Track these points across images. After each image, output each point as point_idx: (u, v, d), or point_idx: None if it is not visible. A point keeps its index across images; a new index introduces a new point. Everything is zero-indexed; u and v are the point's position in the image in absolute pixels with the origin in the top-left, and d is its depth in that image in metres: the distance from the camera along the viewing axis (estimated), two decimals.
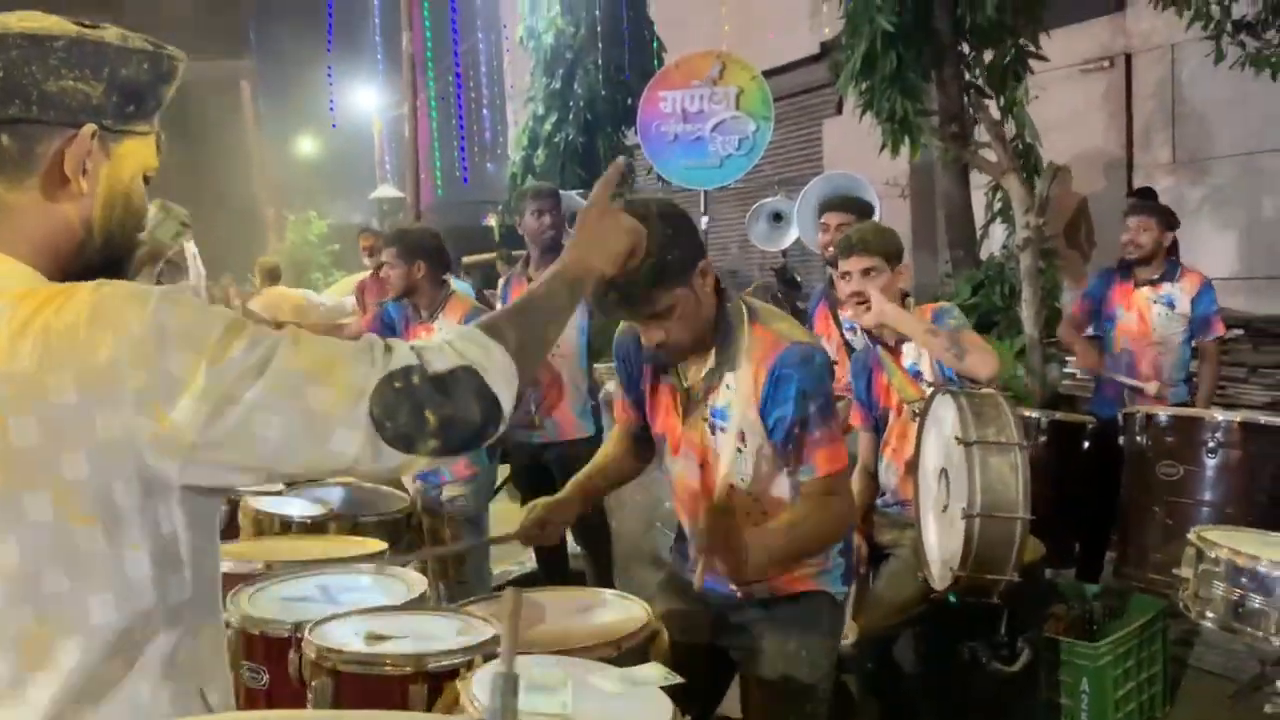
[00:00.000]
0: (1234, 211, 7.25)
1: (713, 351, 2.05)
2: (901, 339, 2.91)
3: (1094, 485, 3.91)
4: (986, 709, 2.95)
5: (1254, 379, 5.82)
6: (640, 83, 8.17)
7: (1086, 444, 3.96)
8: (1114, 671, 3.20)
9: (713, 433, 2.07)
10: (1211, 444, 3.50)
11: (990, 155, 6.18)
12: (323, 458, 1.05)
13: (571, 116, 9.78)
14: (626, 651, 1.89)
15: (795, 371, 1.96)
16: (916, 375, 2.90)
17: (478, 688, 1.62)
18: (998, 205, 6.94)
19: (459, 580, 3.82)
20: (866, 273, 2.90)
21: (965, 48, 6.71)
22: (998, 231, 7.18)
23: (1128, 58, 7.77)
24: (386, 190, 16.90)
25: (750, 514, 2.09)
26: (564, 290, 1.29)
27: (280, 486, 3.37)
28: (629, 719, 1.58)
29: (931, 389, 2.76)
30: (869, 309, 2.85)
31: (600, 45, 9.56)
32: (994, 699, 2.93)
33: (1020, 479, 2.37)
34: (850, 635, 2.72)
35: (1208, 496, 3.50)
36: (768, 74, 7.35)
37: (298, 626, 1.95)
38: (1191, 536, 2.60)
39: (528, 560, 4.99)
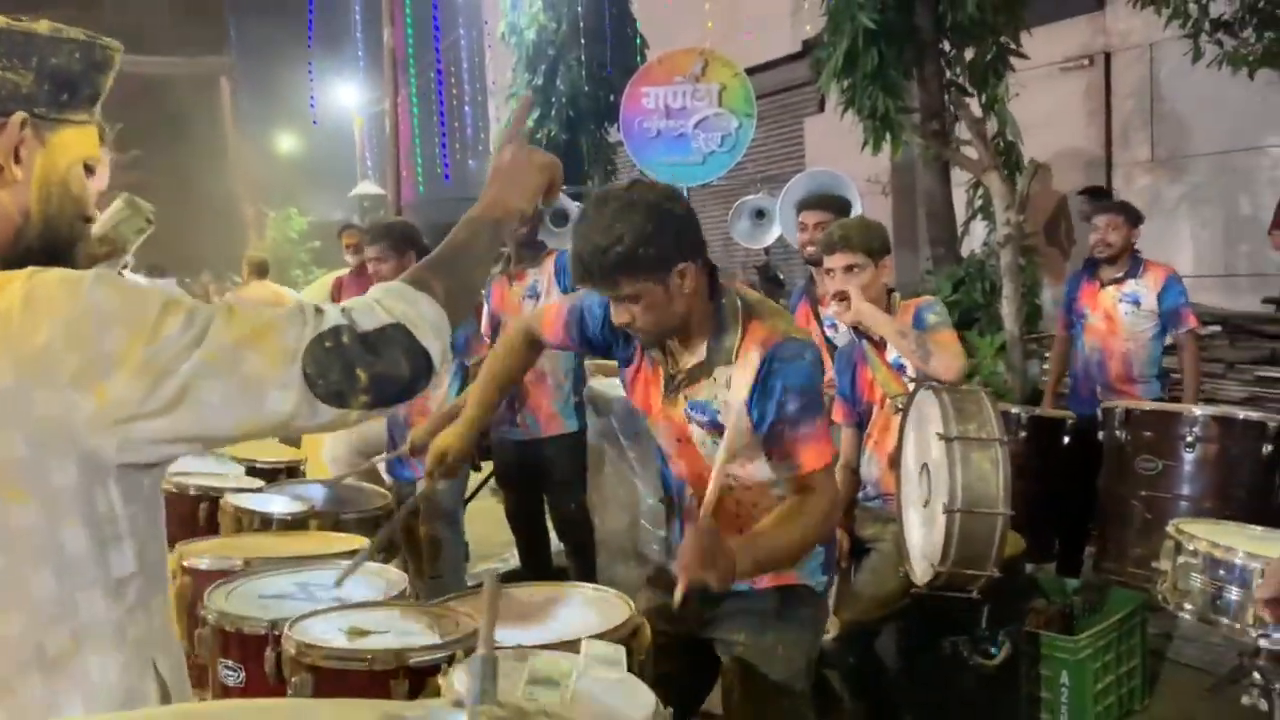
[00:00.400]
0: (1212, 209, 7.32)
1: (705, 346, 2.05)
2: None
3: (1074, 480, 3.94)
4: (968, 703, 2.96)
5: (1231, 375, 5.88)
6: (623, 79, 8.16)
7: (1067, 439, 3.98)
8: (1093, 665, 3.22)
9: (688, 421, 2.08)
10: (1190, 439, 3.53)
11: (971, 153, 6.21)
12: (259, 419, 1.09)
13: (554, 113, 9.77)
14: None
15: (786, 366, 1.96)
16: (900, 369, 2.91)
17: (459, 682, 1.61)
18: (978, 202, 6.98)
19: (434, 576, 3.81)
20: (849, 269, 2.90)
21: (946, 45, 6.74)
22: (978, 228, 7.22)
23: (1107, 56, 7.83)
24: (367, 187, 16.84)
25: (727, 506, 2.08)
26: (485, 232, 1.31)
27: (260, 484, 3.35)
28: (612, 712, 1.57)
29: (915, 384, 2.77)
30: (849, 307, 2.86)
31: (583, 41, 9.54)
32: (975, 693, 2.95)
33: (1001, 475, 2.38)
34: (832, 630, 2.73)
35: (1186, 491, 3.53)
36: (749, 72, 7.36)
37: (275, 624, 1.94)
38: (1170, 529, 2.62)
39: (510, 557, 4.98)
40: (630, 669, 1.76)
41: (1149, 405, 3.89)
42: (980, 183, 6.61)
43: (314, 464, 4.19)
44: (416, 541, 3.91)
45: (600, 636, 1.88)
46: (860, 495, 3.05)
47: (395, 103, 9.98)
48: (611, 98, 9.28)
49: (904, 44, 6.53)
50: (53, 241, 1.16)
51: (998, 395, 4.60)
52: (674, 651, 2.12)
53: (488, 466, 4.79)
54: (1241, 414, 3.67)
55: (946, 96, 6.73)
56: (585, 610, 2.12)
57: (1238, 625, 2.39)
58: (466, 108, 17.66)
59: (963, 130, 6.39)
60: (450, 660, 1.76)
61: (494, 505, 5.00)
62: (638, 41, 9.98)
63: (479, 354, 3.74)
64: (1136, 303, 4.33)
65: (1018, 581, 3.25)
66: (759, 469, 2.08)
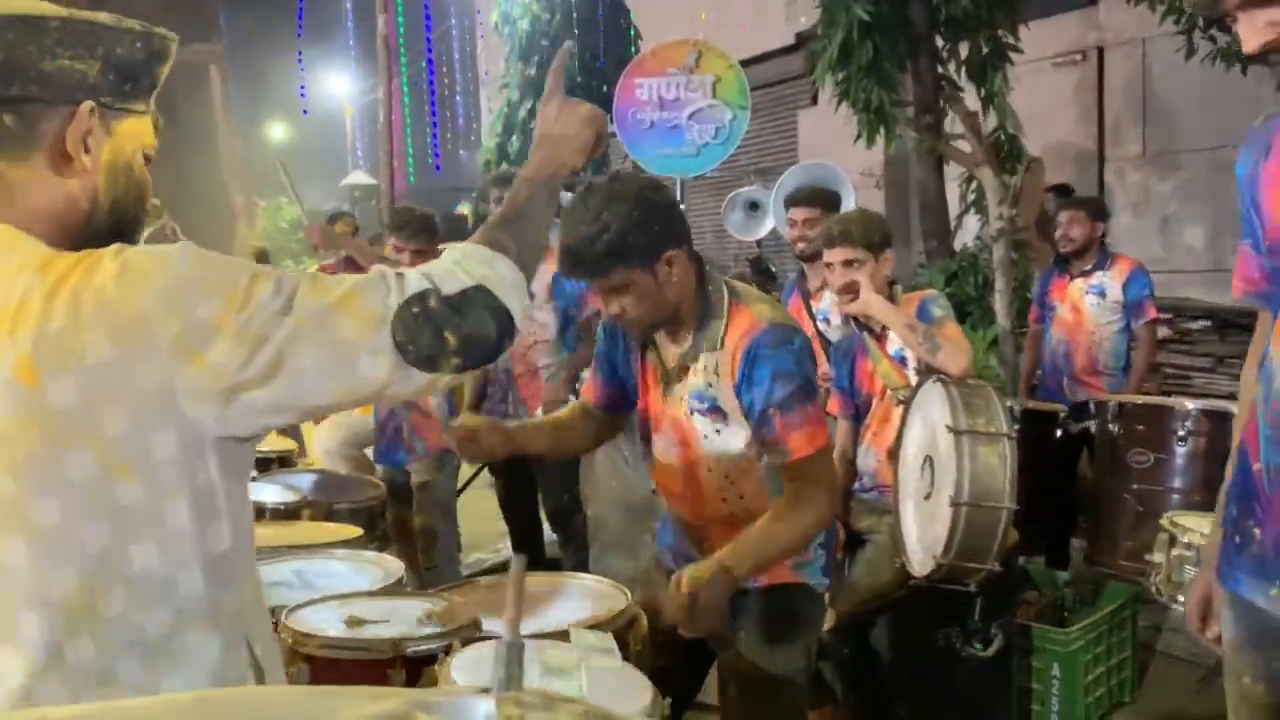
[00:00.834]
0: (1203, 204, 7.34)
1: (692, 334, 2.05)
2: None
3: (1061, 473, 3.98)
4: (960, 694, 2.98)
5: (1221, 369, 5.91)
6: (616, 70, 8.15)
7: (1059, 432, 4.00)
8: (1084, 657, 3.24)
9: (691, 414, 2.07)
10: (1181, 432, 3.55)
11: (965, 146, 6.22)
12: (354, 385, 1.09)
13: None
14: None
15: (771, 352, 1.95)
16: (901, 361, 2.91)
17: (456, 672, 1.61)
18: (972, 196, 6.99)
19: (429, 566, 3.81)
20: (849, 264, 2.90)
21: (940, 39, 6.74)
22: (971, 222, 7.23)
23: (1100, 51, 7.85)
24: (358, 177, 16.78)
25: (726, 499, 2.08)
26: (543, 191, 1.33)
27: (253, 473, 3.34)
28: (610, 701, 1.58)
29: (919, 376, 2.77)
30: (853, 298, 2.86)
31: (576, 32, 9.52)
32: (967, 684, 2.96)
33: (1008, 470, 2.39)
34: (827, 621, 2.73)
35: (1177, 484, 3.55)
36: (743, 64, 7.35)
37: (271, 612, 1.93)
38: (1165, 522, 2.63)
39: (503, 548, 4.98)
40: (627, 659, 1.77)
41: (1141, 399, 3.92)
42: (973, 177, 6.62)
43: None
44: (410, 533, 3.90)
45: (596, 627, 1.88)
46: (856, 487, 3.06)
47: (389, 91, 9.93)
48: (605, 89, 9.27)
49: (898, 37, 6.53)
50: (118, 227, 1.17)
51: None
52: (670, 644, 2.12)
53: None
54: (1233, 408, 3.68)
55: (940, 90, 6.74)
56: (582, 601, 2.12)
57: None
58: (458, 98, 17.60)
59: (956, 124, 6.40)
60: (447, 650, 1.76)
61: (487, 497, 5.00)
62: (631, 33, 9.97)
63: None
64: (1102, 294, 4.42)
65: (1010, 574, 3.26)
66: (757, 468, 2.06)
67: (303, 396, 1.08)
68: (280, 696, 0.72)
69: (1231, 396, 5.59)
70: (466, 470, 5.07)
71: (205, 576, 1.09)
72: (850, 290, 2.87)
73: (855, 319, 2.97)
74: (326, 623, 1.88)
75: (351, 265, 5.27)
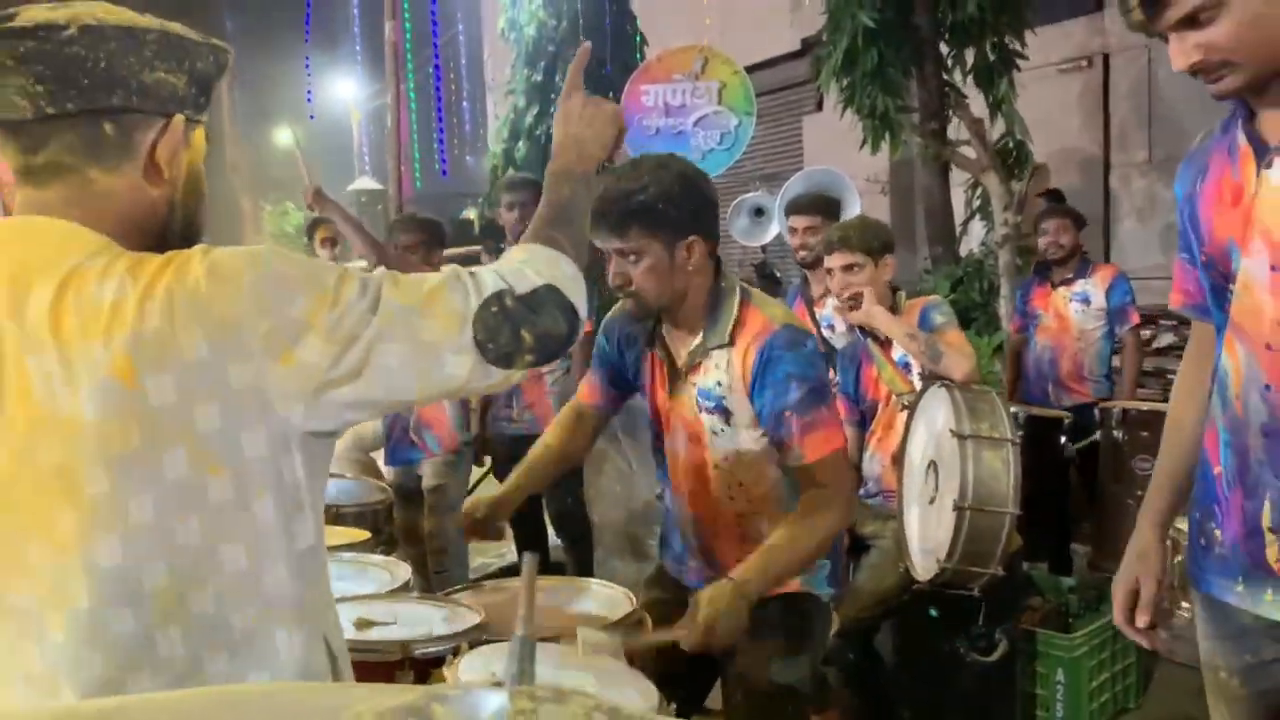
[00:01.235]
0: None
1: (702, 330, 2.05)
2: None
3: (1062, 479, 4.00)
4: (964, 699, 2.98)
5: None
6: (622, 76, 8.16)
7: (1063, 439, 4.02)
8: (1089, 663, 3.24)
9: (699, 410, 2.07)
10: None
11: (970, 153, 6.23)
12: (439, 383, 1.13)
13: (553, 109, 9.69)
14: None
15: (785, 354, 1.96)
16: (905, 367, 2.93)
17: (464, 674, 1.62)
18: (977, 202, 7.00)
19: (437, 570, 3.82)
20: (848, 268, 2.93)
21: (945, 45, 6.75)
22: (977, 228, 7.24)
23: (1105, 58, 7.85)
24: (365, 183, 16.82)
25: (734, 498, 2.09)
26: (581, 188, 1.37)
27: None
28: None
29: (923, 382, 2.78)
30: (854, 305, 2.88)
31: (582, 38, 9.51)
32: (971, 689, 2.96)
33: (1012, 475, 2.40)
34: (831, 625, 2.74)
35: None
36: (748, 70, 7.36)
37: None
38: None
39: (508, 552, 4.99)
40: (632, 664, 1.78)
41: (1146, 405, 3.94)
42: (979, 183, 6.63)
43: None
44: (418, 536, 3.91)
45: (604, 628, 1.89)
46: (861, 492, 3.07)
47: (397, 95, 9.96)
48: (611, 95, 9.28)
49: (904, 43, 6.55)
50: (189, 236, 1.20)
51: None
52: (673, 649, 2.13)
53: (489, 461, 4.80)
54: None
55: (945, 96, 6.75)
56: (587, 604, 2.13)
57: None
58: (464, 103, 17.64)
59: (961, 130, 6.41)
60: (455, 651, 1.77)
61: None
62: (637, 39, 9.98)
63: None
64: (1086, 301, 4.49)
65: (1015, 579, 3.26)
66: (766, 468, 2.06)
67: (388, 393, 1.11)
68: (299, 691, 0.74)
69: None
70: (472, 475, 5.08)
71: (290, 573, 1.12)
72: (853, 299, 2.89)
73: (860, 326, 2.99)
74: None
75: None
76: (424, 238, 3.96)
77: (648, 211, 1.92)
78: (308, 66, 14.69)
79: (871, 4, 6.30)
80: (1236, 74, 1.42)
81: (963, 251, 7.18)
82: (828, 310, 3.71)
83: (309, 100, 16.28)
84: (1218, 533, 1.61)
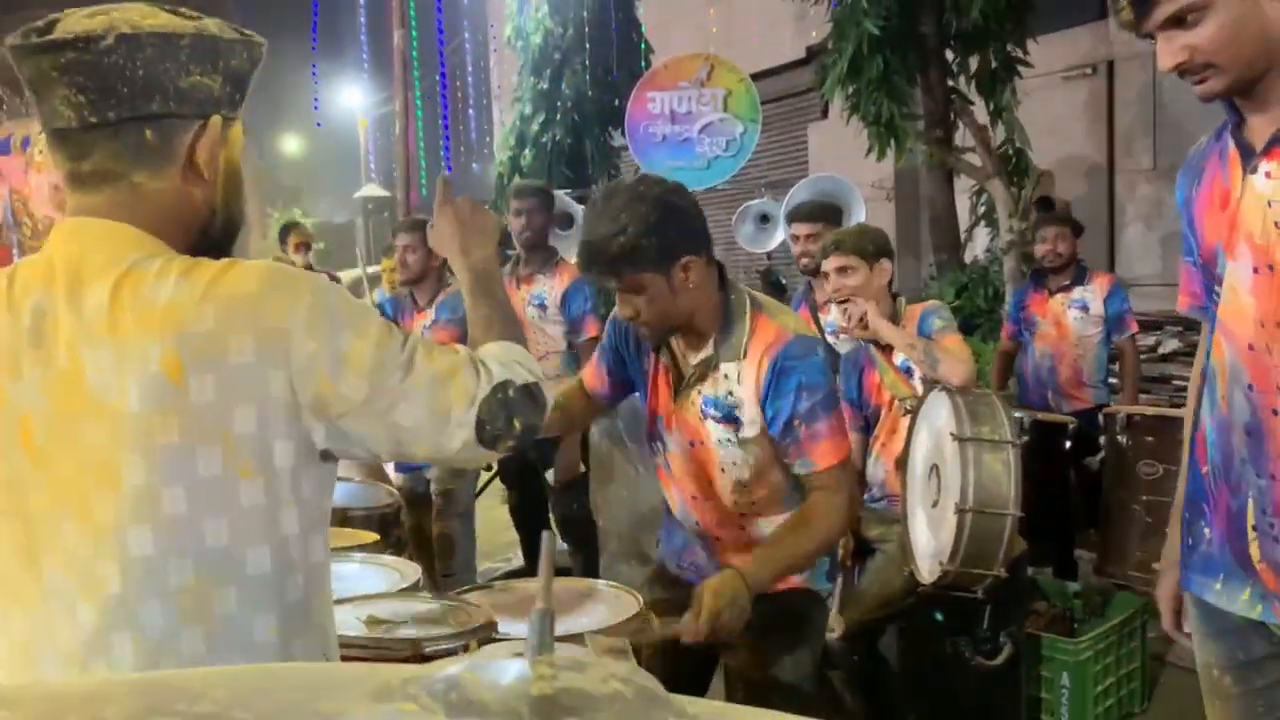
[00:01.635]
0: None
1: (712, 341, 2.06)
2: None
3: (1066, 484, 4.01)
4: (969, 703, 2.99)
5: None
6: (628, 84, 8.20)
7: (1068, 444, 4.02)
8: (1094, 667, 3.24)
9: (704, 419, 2.09)
10: None
11: (975, 159, 6.25)
12: (437, 447, 1.19)
13: (559, 117, 9.79)
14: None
15: (797, 364, 1.97)
16: (908, 372, 2.95)
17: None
18: (982, 209, 7.02)
19: (445, 574, 3.84)
20: (842, 270, 2.96)
21: (950, 53, 6.78)
22: (981, 235, 7.26)
23: (1110, 65, 7.87)
24: (372, 189, 16.86)
25: (738, 500, 2.11)
26: (496, 288, 1.47)
27: None
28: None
29: (925, 386, 2.80)
30: (846, 312, 2.92)
31: (588, 46, 9.57)
32: (976, 693, 2.97)
33: (1012, 477, 2.41)
34: (836, 629, 2.76)
35: None
36: (754, 77, 7.40)
37: None
38: None
39: (514, 557, 5.01)
40: (638, 664, 1.79)
41: (1151, 411, 3.94)
42: (984, 189, 6.64)
43: None
44: (427, 540, 3.93)
45: (606, 632, 1.91)
46: (866, 497, 3.08)
47: (406, 103, 10.00)
48: (616, 102, 9.32)
49: (908, 51, 6.57)
50: (230, 233, 1.24)
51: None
52: (675, 647, 2.14)
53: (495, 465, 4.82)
54: None
55: (950, 103, 6.77)
56: (595, 606, 2.14)
57: None
58: (470, 111, 17.68)
59: (966, 137, 6.43)
60: (464, 649, 1.79)
61: (498, 506, 5.03)
62: (643, 46, 10.01)
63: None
64: (1085, 308, 4.49)
65: (1019, 583, 3.27)
66: (772, 476, 2.08)
67: (394, 445, 1.18)
68: (336, 668, 0.76)
69: None
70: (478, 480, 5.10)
71: (305, 585, 1.16)
72: (843, 301, 2.93)
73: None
74: (344, 623, 1.91)
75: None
76: (425, 239, 3.99)
77: (633, 251, 1.91)
78: (315, 74, 14.73)
79: (876, 11, 6.32)
80: (1219, 76, 1.46)
81: (968, 258, 7.19)
82: (832, 316, 3.73)
83: (316, 108, 16.32)
84: (1207, 531, 1.63)
